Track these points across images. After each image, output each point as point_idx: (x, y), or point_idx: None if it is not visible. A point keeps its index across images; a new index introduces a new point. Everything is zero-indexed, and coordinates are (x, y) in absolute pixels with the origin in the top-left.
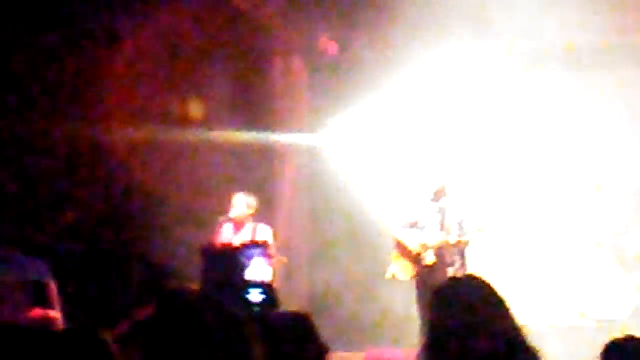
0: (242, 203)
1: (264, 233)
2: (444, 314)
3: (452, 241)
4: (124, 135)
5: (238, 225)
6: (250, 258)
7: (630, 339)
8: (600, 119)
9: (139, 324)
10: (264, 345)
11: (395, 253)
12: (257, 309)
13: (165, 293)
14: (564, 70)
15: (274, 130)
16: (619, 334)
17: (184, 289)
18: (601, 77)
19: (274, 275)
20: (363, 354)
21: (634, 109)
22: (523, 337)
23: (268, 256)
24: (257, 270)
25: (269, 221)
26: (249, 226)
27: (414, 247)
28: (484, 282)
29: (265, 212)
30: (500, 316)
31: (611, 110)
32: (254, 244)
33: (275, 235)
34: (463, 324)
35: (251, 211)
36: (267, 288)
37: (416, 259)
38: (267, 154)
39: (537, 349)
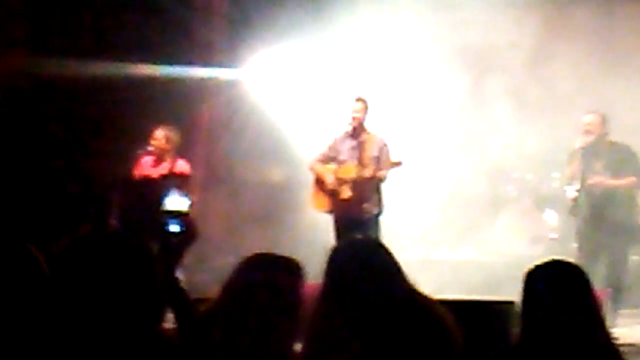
0: (161, 137)
1: (182, 167)
2: (339, 273)
3: (368, 175)
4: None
5: (157, 159)
6: (168, 190)
7: (552, 263)
8: None
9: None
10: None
11: (313, 187)
12: (175, 239)
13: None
14: None
15: (193, 64)
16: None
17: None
18: None
19: (192, 206)
20: None
21: None
22: (415, 297)
23: (186, 188)
24: (175, 201)
25: (188, 155)
26: (167, 161)
27: (331, 180)
28: (378, 244)
29: (183, 147)
30: (392, 277)
31: None
32: (172, 176)
33: (193, 171)
34: (357, 284)
35: (171, 145)
36: (184, 219)
37: (333, 193)
38: (186, 88)
39: (431, 306)
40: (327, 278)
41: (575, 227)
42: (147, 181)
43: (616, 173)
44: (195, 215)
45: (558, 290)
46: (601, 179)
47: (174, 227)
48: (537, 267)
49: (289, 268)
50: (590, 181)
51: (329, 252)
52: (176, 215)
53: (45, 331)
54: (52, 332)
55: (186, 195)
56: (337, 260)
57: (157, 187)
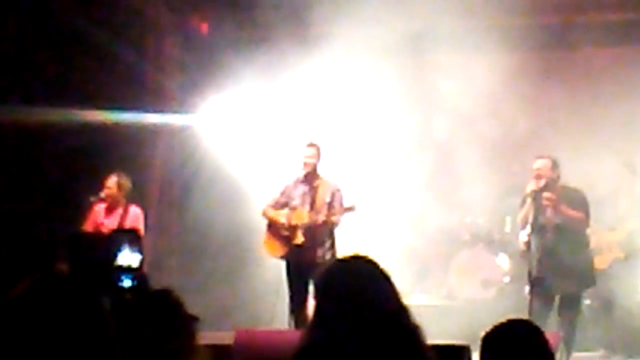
0: (113, 184)
1: (135, 217)
2: (330, 295)
3: (321, 220)
4: None
5: (110, 207)
6: (120, 244)
7: (510, 323)
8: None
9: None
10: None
11: (266, 232)
12: (128, 295)
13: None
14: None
15: (146, 110)
16: (485, 314)
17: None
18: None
19: (144, 261)
20: (233, 334)
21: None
22: (408, 314)
23: (138, 242)
24: (127, 257)
25: (141, 201)
26: (120, 208)
27: (284, 227)
28: (369, 260)
29: (136, 193)
30: (387, 294)
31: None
32: (124, 230)
33: (145, 217)
34: (350, 304)
35: (123, 192)
36: (137, 274)
37: (286, 238)
38: (139, 134)
39: (419, 326)
40: (321, 297)
41: (527, 271)
42: (99, 236)
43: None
44: (148, 270)
45: (515, 351)
46: (553, 198)
47: (127, 282)
48: (493, 329)
49: None
50: (545, 197)
51: (321, 273)
52: (128, 270)
53: None
54: None
55: (138, 250)
56: (330, 279)
57: (108, 242)
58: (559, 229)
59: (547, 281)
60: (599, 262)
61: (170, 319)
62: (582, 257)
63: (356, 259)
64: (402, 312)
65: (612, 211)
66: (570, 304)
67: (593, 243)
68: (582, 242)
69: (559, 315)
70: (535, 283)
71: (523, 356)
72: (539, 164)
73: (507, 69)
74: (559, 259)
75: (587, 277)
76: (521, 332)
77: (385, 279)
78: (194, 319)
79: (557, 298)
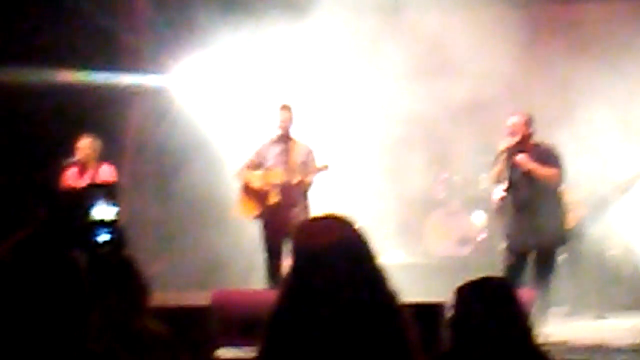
0: (86, 145)
1: (107, 174)
2: (303, 254)
3: (296, 180)
4: None
5: (82, 169)
6: (94, 199)
7: (484, 279)
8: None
9: None
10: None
11: (240, 193)
12: (105, 248)
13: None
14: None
15: (119, 71)
16: (461, 271)
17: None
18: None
19: (119, 214)
20: (209, 294)
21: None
22: (382, 275)
23: (113, 196)
24: (102, 211)
25: (113, 162)
26: (91, 169)
27: (258, 186)
28: (343, 218)
29: (110, 154)
30: (362, 252)
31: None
32: (97, 184)
33: (120, 177)
34: (323, 264)
35: (95, 153)
36: (113, 228)
37: (261, 199)
38: (112, 95)
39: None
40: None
41: (502, 228)
42: (73, 192)
43: None
44: (124, 223)
45: (487, 306)
46: (526, 161)
47: (103, 237)
48: (467, 284)
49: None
50: (517, 159)
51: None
52: (104, 224)
53: None
54: None
55: (113, 204)
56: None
57: (83, 198)
58: (533, 186)
59: (521, 238)
60: (568, 221)
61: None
62: (555, 213)
63: (330, 218)
64: (376, 272)
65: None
66: (545, 261)
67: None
68: (555, 199)
69: (534, 271)
70: (510, 240)
71: (495, 311)
72: (512, 120)
73: (489, 24)
74: (532, 215)
75: (560, 233)
76: (493, 287)
77: (360, 237)
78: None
79: (531, 254)
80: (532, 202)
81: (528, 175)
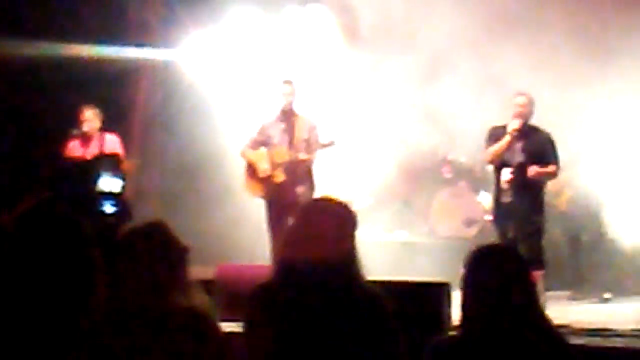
0: (92, 116)
1: (112, 143)
2: (301, 233)
3: (302, 157)
4: None
5: (84, 140)
6: (100, 170)
7: (492, 246)
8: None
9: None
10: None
11: (245, 173)
12: (110, 219)
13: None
14: None
15: (128, 45)
16: (466, 252)
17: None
18: None
19: (125, 186)
20: (214, 268)
21: None
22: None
23: (119, 167)
24: (108, 182)
25: (123, 135)
26: (95, 139)
27: (263, 166)
28: (338, 203)
29: (119, 128)
30: (346, 238)
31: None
32: (104, 156)
33: (127, 147)
34: (316, 244)
35: (99, 123)
36: (118, 199)
37: (265, 178)
38: (121, 69)
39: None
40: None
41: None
42: (80, 162)
43: (534, 157)
44: (130, 196)
45: (498, 273)
46: (534, 166)
47: (108, 208)
48: (478, 249)
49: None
50: (530, 171)
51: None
52: (110, 195)
53: None
54: None
55: (119, 176)
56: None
57: (90, 168)
58: (524, 169)
59: (503, 220)
60: (560, 203)
61: (163, 250)
62: (538, 198)
63: (326, 201)
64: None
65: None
66: (529, 244)
67: (552, 185)
68: (542, 186)
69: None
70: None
71: (505, 278)
72: (520, 100)
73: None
74: (518, 199)
75: (540, 219)
76: (502, 252)
77: (350, 223)
78: (185, 250)
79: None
80: (523, 186)
81: (518, 156)
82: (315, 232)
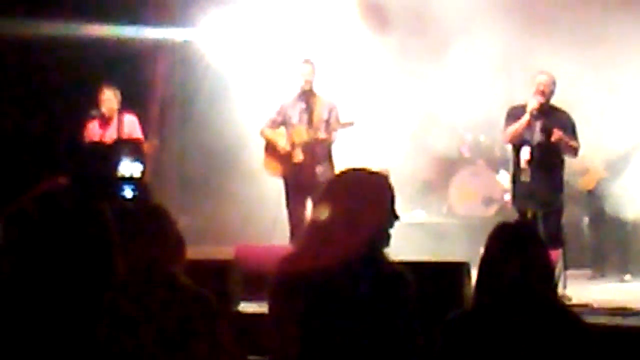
0: (111, 96)
1: (131, 124)
2: (330, 201)
3: (321, 137)
4: None
5: (103, 120)
6: (121, 154)
7: (513, 224)
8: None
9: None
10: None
11: (264, 152)
12: (130, 204)
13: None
14: None
15: (146, 24)
16: (485, 232)
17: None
18: None
19: (145, 171)
20: (232, 249)
21: None
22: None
23: (139, 152)
24: (128, 167)
25: (142, 114)
26: (114, 119)
27: (282, 145)
28: (371, 172)
29: (137, 108)
30: (384, 208)
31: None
32: (125, 140)
33: (145, 127)
34: (343, 215)
35: (118, 103)
36: (138, 184)
37: (284, 158)
38: (139, 48)
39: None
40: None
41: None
42: (100, 146)
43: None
44: (148, 177)
45: (515, 249)
46: (559, 133)
47: (128, 192)
48: (497, 226)
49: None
50: (555, 133)
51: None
52: (129, 180)
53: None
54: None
55: (139, 160)
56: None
57: (110, 152)
58: (549, 150)
59: (524, 198)
60: (586, 183)
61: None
62: (559, 177)
63: (358, 171)
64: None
65: (596, 131)
66: (550, 222)
67: (578, 164)
68: (563, 164)
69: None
70: (515, 199)
71: (522, 256)
72: (542, 78)
73: None
74: (539, 177)
75: (560, 196)
76: (521, 228)
77: (385, 192)
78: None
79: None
80: (543, 165)
81: (547, 140)
82: (347, 207)
